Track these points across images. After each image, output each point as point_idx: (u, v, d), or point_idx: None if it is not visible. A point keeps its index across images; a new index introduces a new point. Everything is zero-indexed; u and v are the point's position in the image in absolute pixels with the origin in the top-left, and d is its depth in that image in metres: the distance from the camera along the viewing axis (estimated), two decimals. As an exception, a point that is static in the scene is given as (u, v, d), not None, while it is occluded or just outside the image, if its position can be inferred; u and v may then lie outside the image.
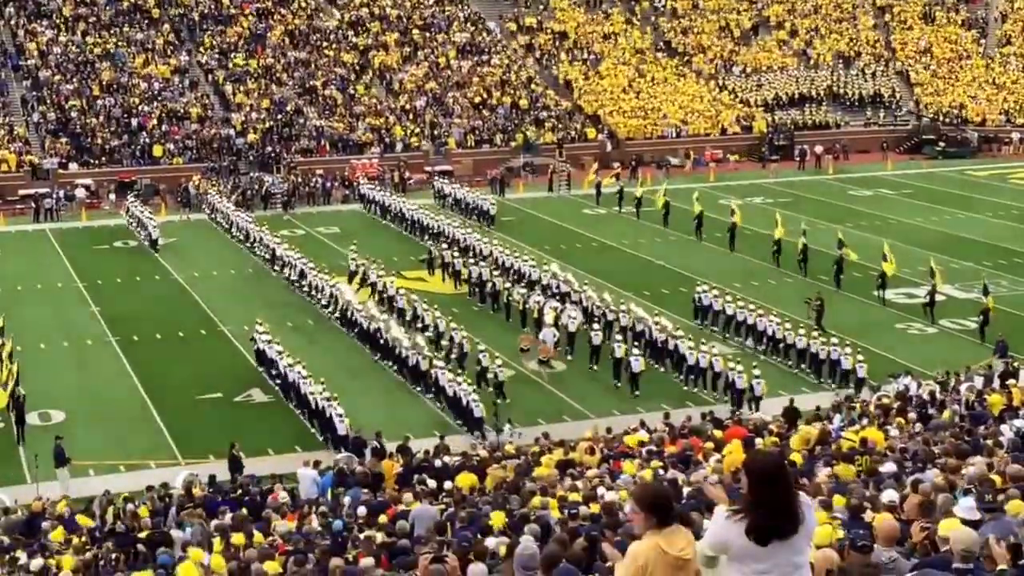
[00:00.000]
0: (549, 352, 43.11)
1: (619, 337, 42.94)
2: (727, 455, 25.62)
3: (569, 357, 43.98)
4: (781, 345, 42.84)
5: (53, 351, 45.76)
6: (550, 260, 53.50)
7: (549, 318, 44.09)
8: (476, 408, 37.03)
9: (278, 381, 40.44)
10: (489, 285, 50.13)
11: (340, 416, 35.77)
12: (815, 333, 43.07)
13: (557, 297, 47.84)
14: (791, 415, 32.69)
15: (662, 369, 42.17)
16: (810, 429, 27.87)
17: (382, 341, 42.96)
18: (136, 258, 60.85)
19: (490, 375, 39.62)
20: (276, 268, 55.28)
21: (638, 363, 40.52)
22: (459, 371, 39.34)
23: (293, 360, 39.37)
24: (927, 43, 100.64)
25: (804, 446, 26.12)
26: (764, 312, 44.77)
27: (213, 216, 67.53)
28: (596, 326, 43.60)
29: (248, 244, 60.36)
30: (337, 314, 47.54)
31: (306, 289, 51.19)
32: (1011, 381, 33.98)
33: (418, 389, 40.37)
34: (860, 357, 40.49)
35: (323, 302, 49.17)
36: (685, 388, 40.95)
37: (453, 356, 41.66)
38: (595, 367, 42.68)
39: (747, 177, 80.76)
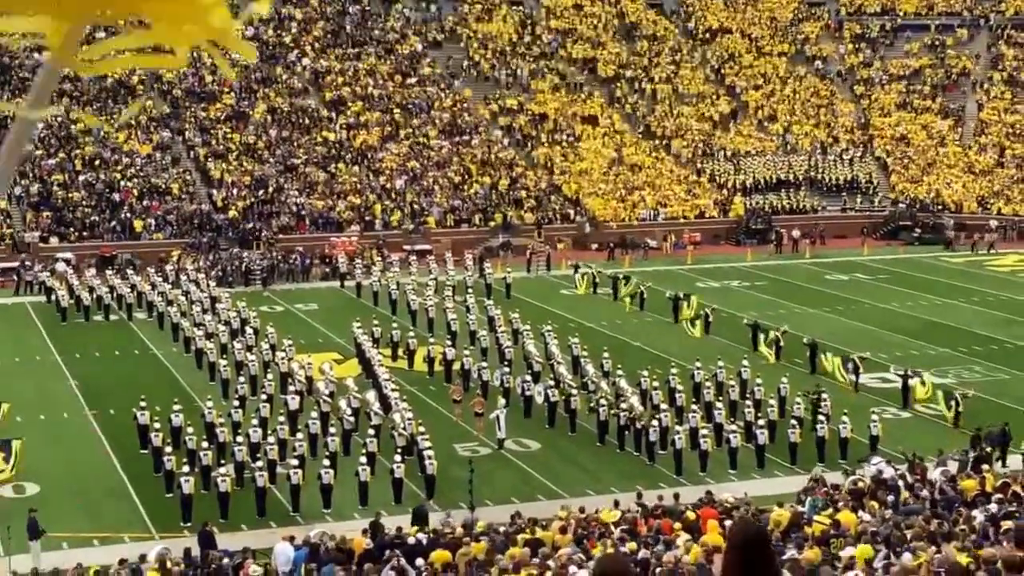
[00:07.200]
0: (483, 404, 44.52)
1: (603, 403, 43.79)
2: (707, 535, 25.71)
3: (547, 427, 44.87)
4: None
5: (29, 424, 45.61)
6: (527, 337, 53.52)
7: (501, 402, 44.16)
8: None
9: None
10: (458, 364, 50.42)
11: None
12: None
13: (529, 374, 48.33)
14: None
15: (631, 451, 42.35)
16: (782, 512, 27.94)
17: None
18: (114, 331, 60.99)
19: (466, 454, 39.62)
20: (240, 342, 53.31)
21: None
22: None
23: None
24: (904, 130, 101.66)
25: (776, 529, 26.21)
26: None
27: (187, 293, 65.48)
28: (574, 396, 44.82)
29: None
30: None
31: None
32: (985, 467, 34.18)
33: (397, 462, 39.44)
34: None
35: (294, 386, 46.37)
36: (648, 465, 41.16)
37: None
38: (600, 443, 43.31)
39: (724, 260, 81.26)
